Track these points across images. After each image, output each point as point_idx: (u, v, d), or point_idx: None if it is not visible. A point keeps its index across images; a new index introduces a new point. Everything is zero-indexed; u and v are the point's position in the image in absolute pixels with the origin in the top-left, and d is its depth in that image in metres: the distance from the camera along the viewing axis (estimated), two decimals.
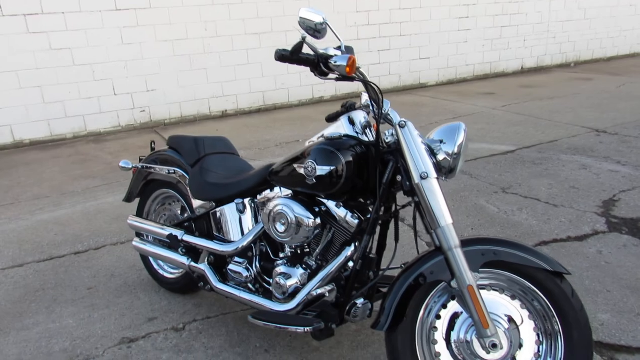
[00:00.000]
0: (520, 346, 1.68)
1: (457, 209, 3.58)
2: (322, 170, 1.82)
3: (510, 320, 1.69)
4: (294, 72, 7.52)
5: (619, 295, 2.46)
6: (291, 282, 1.97)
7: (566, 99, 7.11)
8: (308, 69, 1.79)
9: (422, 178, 1.68)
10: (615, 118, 5.83)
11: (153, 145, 2.74)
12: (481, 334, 1.61)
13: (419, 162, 1.69)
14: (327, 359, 2.13)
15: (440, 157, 1.76)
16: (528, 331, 1.70)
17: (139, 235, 2.72)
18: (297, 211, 1.91)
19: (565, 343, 1.63)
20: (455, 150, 1.74)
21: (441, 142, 1.78)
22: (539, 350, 1.68)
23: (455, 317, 1.73)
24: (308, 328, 1.82)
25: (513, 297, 1.71)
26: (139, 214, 2.78)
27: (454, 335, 1.72)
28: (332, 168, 1.81)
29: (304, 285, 1.95)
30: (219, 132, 6.41)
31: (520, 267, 1.66)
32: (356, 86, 8.03)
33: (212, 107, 7.19)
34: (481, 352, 1.65)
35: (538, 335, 1.69)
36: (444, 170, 1.78)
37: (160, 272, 2.72)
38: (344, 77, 1.71)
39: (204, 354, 2.20)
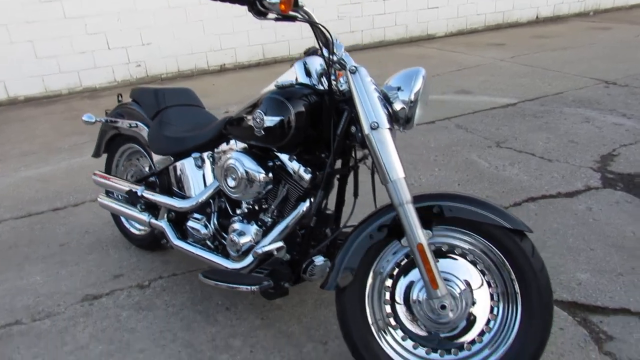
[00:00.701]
0: (474, 305, 1.59)
1: (446, 164, 3.43)
2: (270, 121, 1.70)
3: (466, 281, 1.59)
4: (294, 24, 7.24)
5: (602, 254, 2.33)
6: (245, 240, 1.89)
7: (580, 49, 6.74)
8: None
9: (372, 128, 1.54)
10: (628, 69, 5.51)
11: (120, 98, 2.62)
12: (430, 295, 1.51)
13: (369, 110, 1.55)
14: (289, 317, 2.07)
15: (397, 106, 1.61)
16: (484, 292, 1.60)
17: (108, 191, 2.66)
18: (248, 165, 1.80)
19: (523, 304, 1.52)
20: (412, 98, 1.59)
21: (398, 89, 1.62)
22: (495, 311, 1.58)
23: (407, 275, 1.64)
24: (254, 287, 1.74)
25: (469, 257, 1.60)
26: (107, 169, 2.71)
27: (405, 295, 1.63)
28: (281, 119, 1.68)
29: (257, 242, 1.86)
30: (215, 86, 6.27)
31: (477, 224, 1.54)
32: (359, 36, 7.75)
33: (209, 60, 7.01)
34: (431, 314, 1.55)
35: (495, 295, 1.58)
36: (401, 121, 1.63)
37: (129, 228, 2.66)
38: (283, 17, 1.56)
39: (164, 312, 2.15)
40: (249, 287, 1.75)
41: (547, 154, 3.47)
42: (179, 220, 2.20)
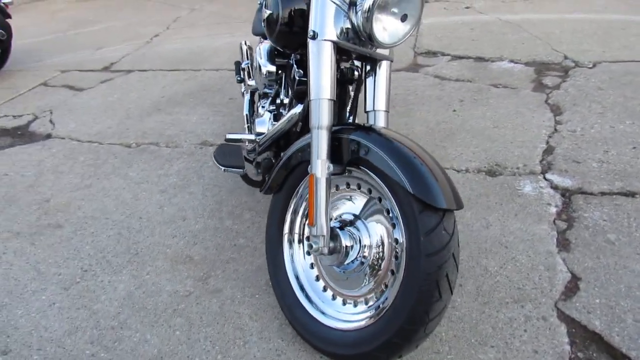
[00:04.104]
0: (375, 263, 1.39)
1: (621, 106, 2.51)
2: (266, 12, 1.67)
3: (380, 237, 1.38)
4: None
5: None
6: (260, 128, 1.98)
7: None
8: None
9: (309, 37, 1.37)
10: None
11: None
12: (309, 230, 1.39)
13: (315, 16, 1.37)
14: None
15: (357, 17, 1.35)
16: (388, 255, 1.36)
17: None
18: (261, 56, 1.85)
19: (399, 287, 1.26)
20: (366, 6, 1.30)
21: None
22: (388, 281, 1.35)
23: None
24: (225, 168, 1.88)
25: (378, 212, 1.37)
26: None
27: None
28: (271, 12, 1.63)
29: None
30: None
31: (386, 175, 1.28)
32: None
33: None
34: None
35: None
36: (364, 37, 1.37)
37: None
38: None
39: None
40: (221, 167, 1.91)
41: None
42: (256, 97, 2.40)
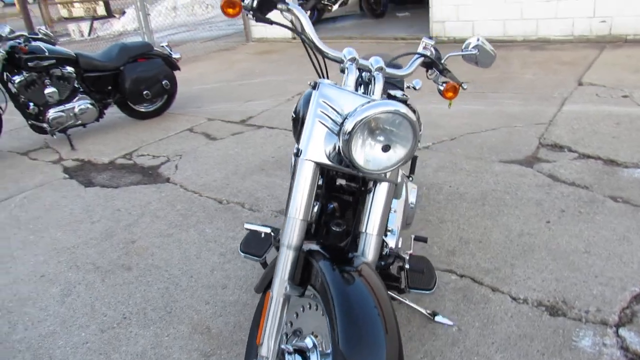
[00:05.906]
0: None
1: None
2: (293, 114, 1.72)
3: None
4: None
5: None
6: None
7: None
8: None
9: (294, 154, 1.38)
10: None
11: None
12: (256, 348, 1.35)
13: (303, 135, 1.38)
14: None
15: (340, 140, 1.31)
16: None
17: None
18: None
19: None
20: (346, 129, 1.26)
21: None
22: None
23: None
24: (244, 254, 1.92)
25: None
26: None
27: None
28: (295, 115, 1.68)
29: None
30: None
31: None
32: None
33: None
34: None
35: None
36: (345, 160, 1.33)
37: None
38: None
39: None
40: (242, 253, 1.95)
41: None
42: None
